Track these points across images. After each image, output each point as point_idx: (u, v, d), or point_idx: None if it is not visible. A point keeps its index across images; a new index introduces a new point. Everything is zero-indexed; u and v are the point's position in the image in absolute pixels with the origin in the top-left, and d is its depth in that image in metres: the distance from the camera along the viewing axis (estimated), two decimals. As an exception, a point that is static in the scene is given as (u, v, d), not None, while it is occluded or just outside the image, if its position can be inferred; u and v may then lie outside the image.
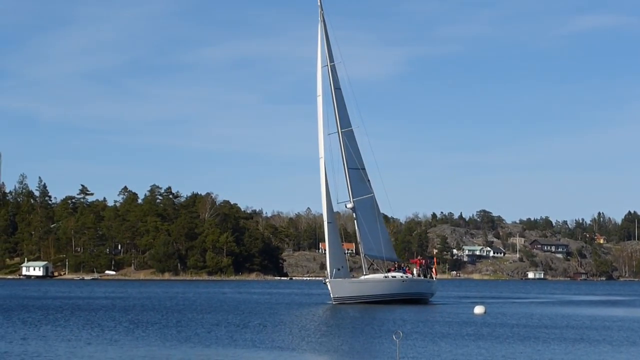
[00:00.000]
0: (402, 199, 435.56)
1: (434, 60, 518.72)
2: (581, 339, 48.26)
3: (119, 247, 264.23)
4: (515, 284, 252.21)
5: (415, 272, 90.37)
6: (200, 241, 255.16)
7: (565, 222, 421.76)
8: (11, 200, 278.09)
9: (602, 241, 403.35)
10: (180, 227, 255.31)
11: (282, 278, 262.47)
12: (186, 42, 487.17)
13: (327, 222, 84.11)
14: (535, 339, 48.10)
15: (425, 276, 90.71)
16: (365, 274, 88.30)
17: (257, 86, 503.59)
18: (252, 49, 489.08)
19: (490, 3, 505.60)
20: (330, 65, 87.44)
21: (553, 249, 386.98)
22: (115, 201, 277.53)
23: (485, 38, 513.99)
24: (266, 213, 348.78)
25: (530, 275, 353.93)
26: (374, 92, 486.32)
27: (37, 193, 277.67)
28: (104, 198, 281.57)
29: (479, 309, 73.37)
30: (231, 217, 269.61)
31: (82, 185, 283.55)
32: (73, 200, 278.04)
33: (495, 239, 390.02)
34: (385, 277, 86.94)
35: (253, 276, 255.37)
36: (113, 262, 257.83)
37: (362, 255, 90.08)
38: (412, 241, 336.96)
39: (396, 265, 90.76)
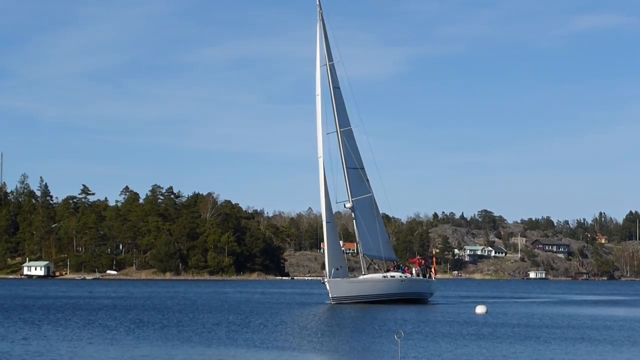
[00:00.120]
0: (403, 199, 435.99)
1: (434, 60, 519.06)
2: (582, 339, 48.25)
3: (121, 247, 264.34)
4: (516, 283, 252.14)
5: (414, 271, 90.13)
6: (201, 241, 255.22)
7: (566, 222, 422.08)
8: (12, 200, 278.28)
9: (603, 241, 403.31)
10: (181, 227, 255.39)
11: (284, 278, 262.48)
12: (186, 42, 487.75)
13: (326, 222, 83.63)
14: (536, 338, 48.09)
15: (424, 276, 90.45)
16: (364, 274, 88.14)
17: (257, 86, 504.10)
18: (252, 49, 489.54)
19: (490, 3, 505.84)
20: (329, 65, 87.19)
21: (554, 248, 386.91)
22: (117, 201, 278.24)
23: (486, 38, 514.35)
24: (267, 213, 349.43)
25: (532, 275, 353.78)
26: (374, 92, 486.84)
27: (38, 193, 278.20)
28: (106, 198, 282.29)
29: (480, 309, 73.34)
30: (232, 217, 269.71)
31: (83, 185, 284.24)
32: (74, 200, 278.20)
33: (496, 239, 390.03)
34: (384, 276, 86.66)
35: (254, 276, 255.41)
36: (114, 262, 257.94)
37: (360, 255, 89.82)
38: (414, 241, 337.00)
39: (395, 265, 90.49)
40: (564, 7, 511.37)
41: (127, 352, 39.39)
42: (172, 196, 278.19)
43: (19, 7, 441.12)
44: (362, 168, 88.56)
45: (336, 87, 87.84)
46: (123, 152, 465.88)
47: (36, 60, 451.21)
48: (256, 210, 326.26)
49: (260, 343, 43.77)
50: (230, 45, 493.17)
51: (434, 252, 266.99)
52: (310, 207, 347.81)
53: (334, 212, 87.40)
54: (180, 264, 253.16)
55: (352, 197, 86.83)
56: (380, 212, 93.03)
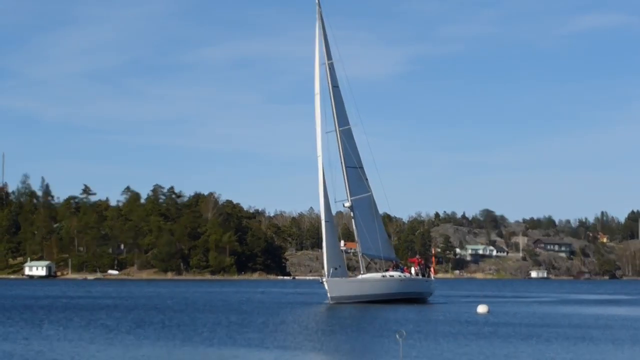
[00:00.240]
0: (404, 199, 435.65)
1: (434, 60, 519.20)
2: (584, 338, 48.19)
3: (122, 247, 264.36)
4: (518, 283, 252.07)
5: (413, 271, 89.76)
6: (203, 241, 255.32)
7: (568, 221, 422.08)
8: (14, 200, 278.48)
9: (605, 240, 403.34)
10: (183, 227, 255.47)
11: (285, 277, 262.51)
12: (186, 42, 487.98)
13: (325, 221, 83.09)
14: (537, 337, 48.04)
15: (423, 275, 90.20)
16: (363, 273, 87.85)
17: (258, 86, 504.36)
18: (252, 49, 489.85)
19: (490, 3, 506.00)
20: (328, 63, 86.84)
21: (556, 248, 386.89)
22: (118, 201, 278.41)
23: (486, 38, 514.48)
24: (269, 212, 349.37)
25: (534, 274, 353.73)
26: (375, 92, 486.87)
27: (39, 193, 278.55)
28: (107, 198, 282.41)
29: (482, 308, 73.25)
30: (234, 216, 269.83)
31: (84, 185, 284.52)
32: (76, 200, 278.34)
33: (498, 238, 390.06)
34: (383, 276, 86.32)
35: (256, 275, 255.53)
36: (116, 262, 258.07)
37: (359, 254, 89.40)
38: (415, 240, 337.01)
39: (394, 265, 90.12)
40: (564, 7, 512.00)
41: (129, 352, 39.36)
42: (173, 196, 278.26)
43: (19, 7, 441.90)
44: (361, 167, 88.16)
45: (335, 86, 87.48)
46: (124, 152, 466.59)
47: (36, 60, 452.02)
48: (257, 210, 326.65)
49: (261, 343, 43.72)
50: (230, 45, 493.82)
51: (434, 252, 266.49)
52: (311, 207, 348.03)
53: (334, 212, 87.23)
54: (181, 264, 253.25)
55: (351, 196, 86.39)
56: (381, 211, 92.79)
